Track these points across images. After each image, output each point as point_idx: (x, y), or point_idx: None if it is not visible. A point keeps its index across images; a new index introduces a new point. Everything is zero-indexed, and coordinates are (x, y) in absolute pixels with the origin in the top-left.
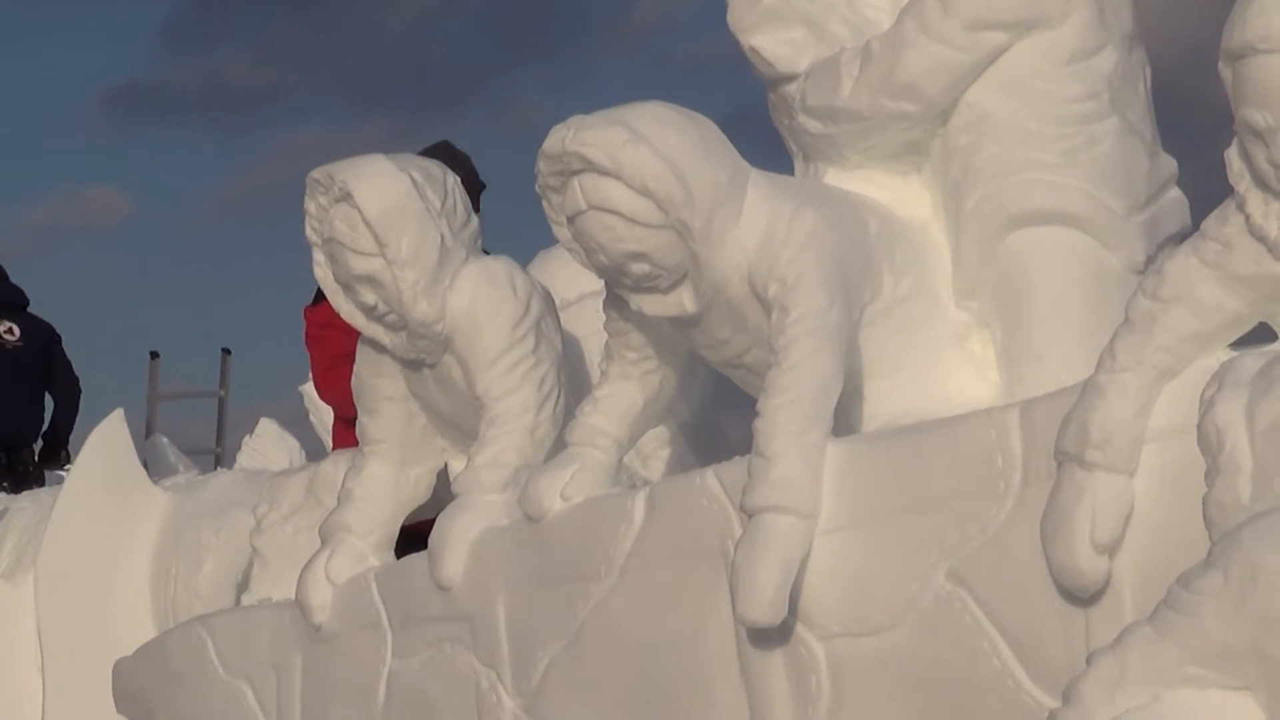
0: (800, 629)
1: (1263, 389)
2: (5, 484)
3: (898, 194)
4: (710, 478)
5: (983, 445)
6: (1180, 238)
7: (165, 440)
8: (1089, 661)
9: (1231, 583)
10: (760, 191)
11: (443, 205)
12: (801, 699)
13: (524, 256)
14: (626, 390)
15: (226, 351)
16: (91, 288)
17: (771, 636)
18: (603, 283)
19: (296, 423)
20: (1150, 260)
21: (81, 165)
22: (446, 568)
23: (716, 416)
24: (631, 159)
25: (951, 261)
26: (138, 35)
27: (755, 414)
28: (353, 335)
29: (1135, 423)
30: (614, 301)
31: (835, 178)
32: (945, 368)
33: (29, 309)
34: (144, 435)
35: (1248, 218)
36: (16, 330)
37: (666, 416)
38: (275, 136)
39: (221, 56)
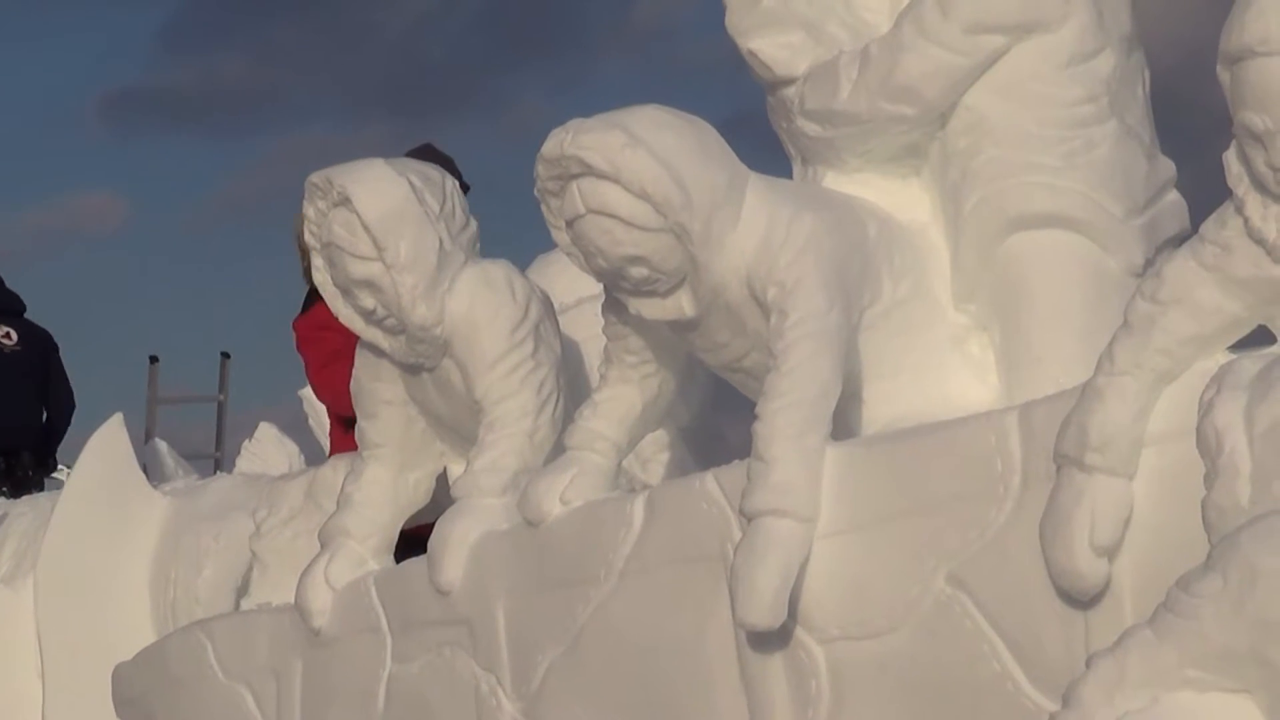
0: (800, 633)
1: (1261, 392)
2: (4, 488)
3: (896, 197)
4: (709, 481)
5: (982, 448)
6: (1179, 241)
7: (164, 445)
8: (1088, 664)
9: (1231, 586)
10: (759, 195)
11: (441, 209)
12: (801, 702)
13: (523, 260)
14: (625, 394)
15: (226, 356)
16: (90, 292)
17: (771, 640)
18: (601, 286)
19: (296, 427)
20: (1149, 263)
21: (80, 169)
22: (446, 572)
23: (715, 420)
24: (630, 163)
25: (950, 264)
26: (135, 38)
27: (754, 417)
28: (347, 333)
29: (1134, 426)
30: (613, 305)
31: (834, 181)
32: (944, 371)
33: (26, 315)
34: (143, 440)
35: (1246, 221)
36: (14, 335)
37: (666, 420)
38: (274, 140)
39: (219, 59)
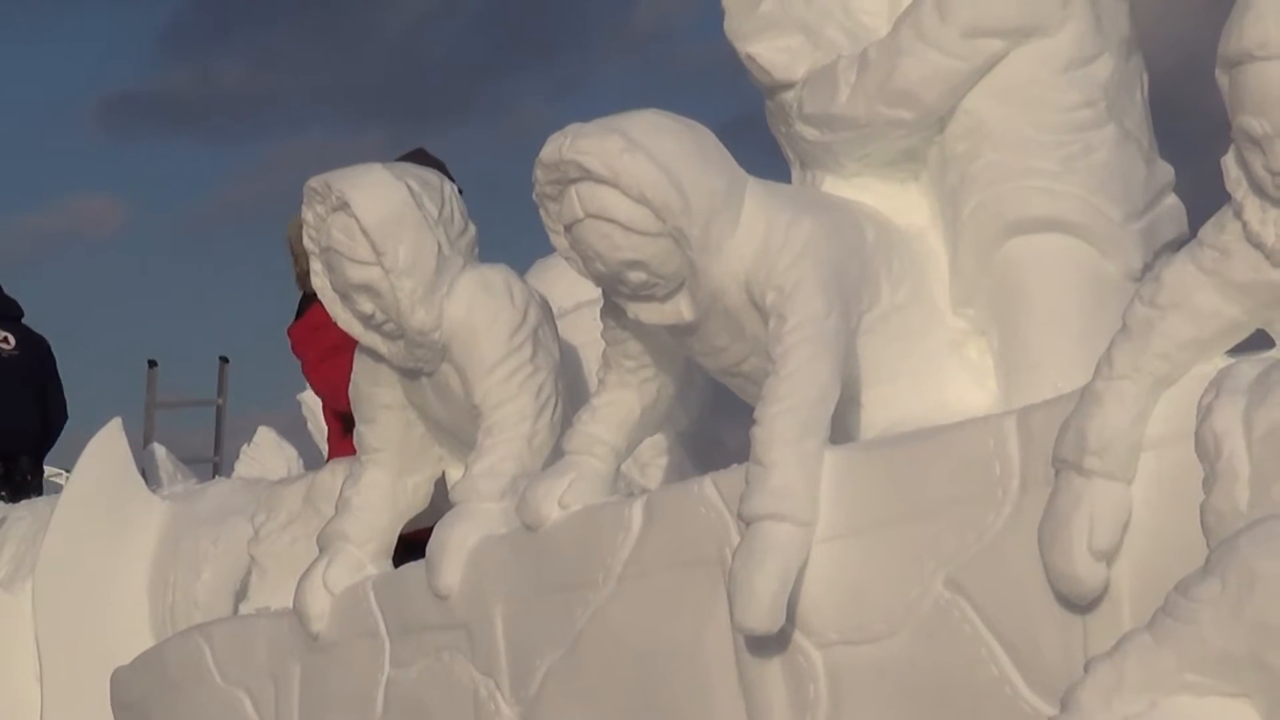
0: (798, 637)
1: (1260, 396)
2: (3, 493)
3: (895, 201)
4: (708, 486)
5: (980, 453)
6: (1177, 245)
7: (163, 449)
8: (1087, 669)
9: (1229, 590)
10: (757, 199)
11: (440, 213)
12: (799, 707)
13: (521, 265)
14: (624, 398)
15: (224, 360)
16: (89, 296)
17: (769, 644)
18: (600, 291)
19: (294, 431)
20: (1147, 267)
21: (79, 172)
22: (444, 576)
23: (714, 424)
24: (628, 167)
25: (949, 269)
26: (135, 42)
27: (753, 422)
28: (343, 330)
29: (1133, 430)
30: (611, 310)
31: (832, 185)
32: (943, 375)
33: (23, 321)
34: (142, 444)
35: (1245, 225)
36: (13, 339)
37: (664, 424)
38: (272, 144)
39: (218, 63)
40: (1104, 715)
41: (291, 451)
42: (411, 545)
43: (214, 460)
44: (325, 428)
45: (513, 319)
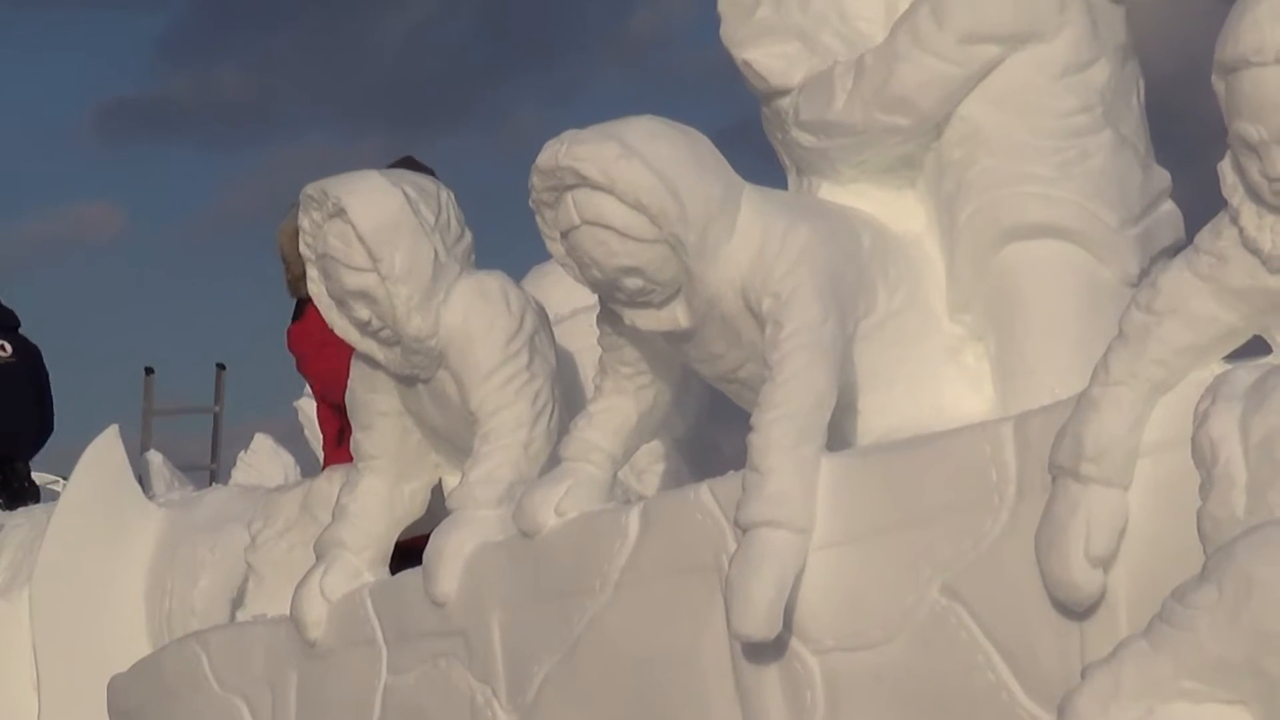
0: (795, 643)
1: (1256, 402)
2: (0, 499)
3: (891, 208)
4: (704, 492)
5: (977, 459)
6: (1174, 251)
7: (160, 456)
8: (1084, 675)
9: (1226, 596)
10: (754, 206)
11: (436, 220)
12: (796, 713)
13: (518, 271)
14: (621, 405)
15: (221, 367)
16: (86, 303)
17: (766, 651)
18: (596, 298)
19: (291, 438)
20: (1144, 273)
21: (76, 180)
22: (441, 583)
23: (711, 431)
24: (624, 174)
25: (945, 275)
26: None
27: (749, 428)
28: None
29: (1129, 436)
30: (608, 316)
31: (829, 192)
32: (939, 381)
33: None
34: (139, 451)
35: (1241, 231)
36: (9, 347)
37: (661, 431)
38: (270, 151)
39: (216, 71)
40: None
41: (288, 458)
42: (408, 552)
43: (211, 467)
44: (321, 435)
45: (509, 326)
